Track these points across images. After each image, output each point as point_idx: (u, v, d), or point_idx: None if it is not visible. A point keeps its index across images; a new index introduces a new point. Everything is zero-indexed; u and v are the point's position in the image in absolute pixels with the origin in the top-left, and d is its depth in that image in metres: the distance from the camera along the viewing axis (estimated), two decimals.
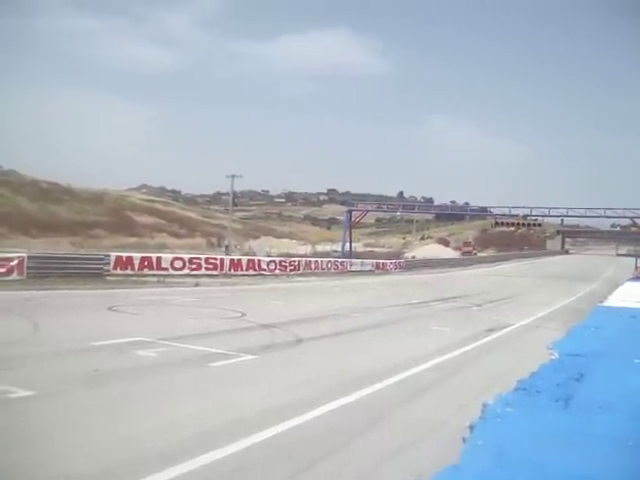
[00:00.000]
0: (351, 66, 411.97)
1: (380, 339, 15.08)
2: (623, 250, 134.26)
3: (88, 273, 26.34)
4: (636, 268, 64.06)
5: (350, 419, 7.49)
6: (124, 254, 30.52)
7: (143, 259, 30.08)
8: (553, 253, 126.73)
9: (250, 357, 11.10)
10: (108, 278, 26.89)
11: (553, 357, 8.28)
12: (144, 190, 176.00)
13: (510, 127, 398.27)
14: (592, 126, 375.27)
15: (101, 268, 27.65)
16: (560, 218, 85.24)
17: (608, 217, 65.05)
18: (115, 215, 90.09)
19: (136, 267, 29.17)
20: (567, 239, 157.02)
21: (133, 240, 71.24)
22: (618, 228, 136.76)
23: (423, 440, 6.69)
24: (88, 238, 66.08)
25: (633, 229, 76.03)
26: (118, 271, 28.17)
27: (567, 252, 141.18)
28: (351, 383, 9.31)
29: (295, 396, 8.35)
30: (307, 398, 8.22)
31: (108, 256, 28.87)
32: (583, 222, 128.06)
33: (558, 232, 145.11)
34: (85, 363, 9.60)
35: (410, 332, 16.54)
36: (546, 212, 63.66)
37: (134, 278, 27.76)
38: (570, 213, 63.70)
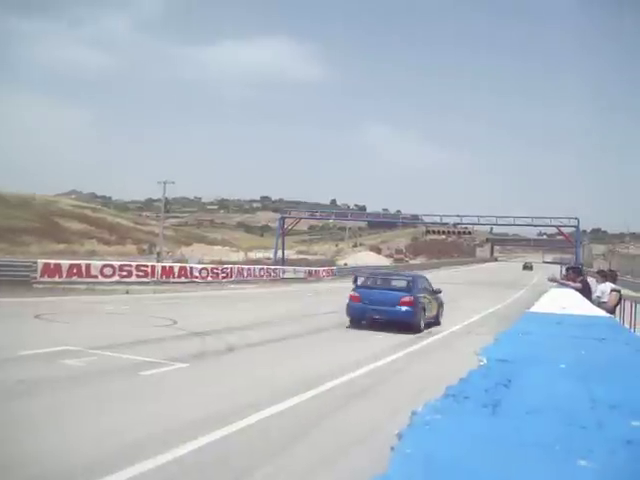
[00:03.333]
0: (289, 72, 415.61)
1: (313, 347, 15.11)
2: (549, 257, 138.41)
3: (14, 280, 25.51)
4: (560, 275, 65.86)
5: (282, 427, 7.46)
6: (52, 261, 29.76)
7: (72, 266, 29.38)
8: (483, 260, 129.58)
9: (181, 365, 10.97)
10: (35, 286, 26.18)
11: (482, 363, 8.42)
12: (73, 196, 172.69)
13: (444, 137, 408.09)
14: (522, 140, 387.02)
15: (28, 275, 26.86)
16: (489, 226, 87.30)
17: (535, 226, 66.78)
18: (43, 221, 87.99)
19: (64, 274, 28.46)
20: (496, 247, 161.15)
21: (62, 247, 69.68)
22: (544, 236, 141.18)
23: (354, 448, 6.72)
24: (15, 244, 64.21)
25: (559, 237, 78.22)
26: (46, 278, 27.43)
27: (496, 259, 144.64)
28: (283, 391, 9.29)
29: (227, 404, 8.29)
30: (239, 406, 8.17)
31: (35, 263, 28.07)
32: (511, 230, 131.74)
33: (487, 240, 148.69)
34: (10, 373, 9.31)
35: (344, 339, 16.62)
36: (476, 220, 64.77)
37: (62, 286, 27.08)
38: (499, 222, 65.09)
